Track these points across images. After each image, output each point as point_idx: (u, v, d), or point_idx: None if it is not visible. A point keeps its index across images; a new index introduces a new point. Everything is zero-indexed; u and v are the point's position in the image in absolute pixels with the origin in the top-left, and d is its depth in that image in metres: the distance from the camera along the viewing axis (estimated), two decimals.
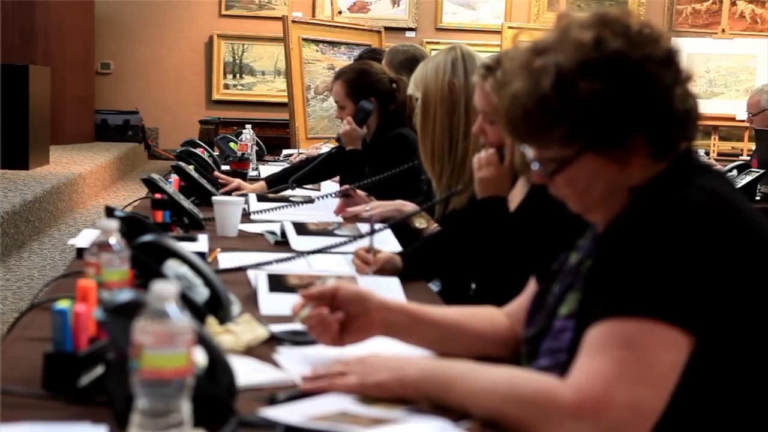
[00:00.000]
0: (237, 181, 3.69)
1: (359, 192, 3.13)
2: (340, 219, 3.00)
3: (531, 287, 1.64)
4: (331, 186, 3.94)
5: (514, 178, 2.32)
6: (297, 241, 2.57)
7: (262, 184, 3.80)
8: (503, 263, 2.26)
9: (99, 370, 1.33)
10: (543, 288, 1.53)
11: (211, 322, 1.62)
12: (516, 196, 2.31)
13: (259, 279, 2.05)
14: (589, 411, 1.19)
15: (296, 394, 1.35)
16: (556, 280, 1.49)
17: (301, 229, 2.67)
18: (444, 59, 2.71)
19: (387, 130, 3.65)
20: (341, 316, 1.54)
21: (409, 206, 2.89)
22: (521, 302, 1.64)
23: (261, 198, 3.45)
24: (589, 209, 1.41)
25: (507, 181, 2.31)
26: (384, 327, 1.55)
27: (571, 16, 1.36)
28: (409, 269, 2.33)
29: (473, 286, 2.48)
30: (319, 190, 3.91)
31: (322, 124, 7.48)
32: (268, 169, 4.59)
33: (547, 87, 1.30)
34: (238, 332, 1.61)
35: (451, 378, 1.32)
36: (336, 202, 3.17)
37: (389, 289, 2.08)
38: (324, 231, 2.68)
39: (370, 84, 3.73)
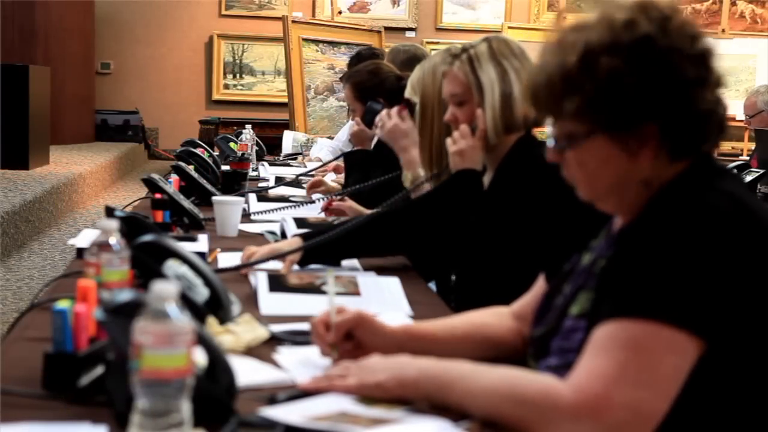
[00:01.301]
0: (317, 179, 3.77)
1: (345, 200, 3.15)
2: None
3: (539, 286, 1.63)
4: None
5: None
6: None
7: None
8: (479, 242, 2.28)
9: (99, 370, 1.33)
10: (553, 288, 1.53)
11: (211, 322, 1.62)
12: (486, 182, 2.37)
13: (259, 279, 2.05)
14: (588, 411, 1.19)
15: (296, 394, 1.35)
16: (567, 281, 1.48)
17: (302, 223, 2.66)
18: (440, 60, 2.69)
19: None
20: (356, 348, 1.56)
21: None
22: (529, 302, 1.63)
23: (261, 198, 3.45)
24: (599, 197, 1.41)
25: (480, 153, 2.36)
26: (392, 352, 1.56)
27: (616, 0, 1.38)
28: (310, 254, 2.27)
29: (453, 278, 2.48)
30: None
31: (322, 124, 7.49)
32: (268, 169, 4.59)
33: (572, 60, 1.33)
34: (238, 332, 1.61)
35: (450, 378, 1.32)
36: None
37: (390, 290, 2.07)
38: (324, 225, 2.67)
39: (377, 84, 3.71)
